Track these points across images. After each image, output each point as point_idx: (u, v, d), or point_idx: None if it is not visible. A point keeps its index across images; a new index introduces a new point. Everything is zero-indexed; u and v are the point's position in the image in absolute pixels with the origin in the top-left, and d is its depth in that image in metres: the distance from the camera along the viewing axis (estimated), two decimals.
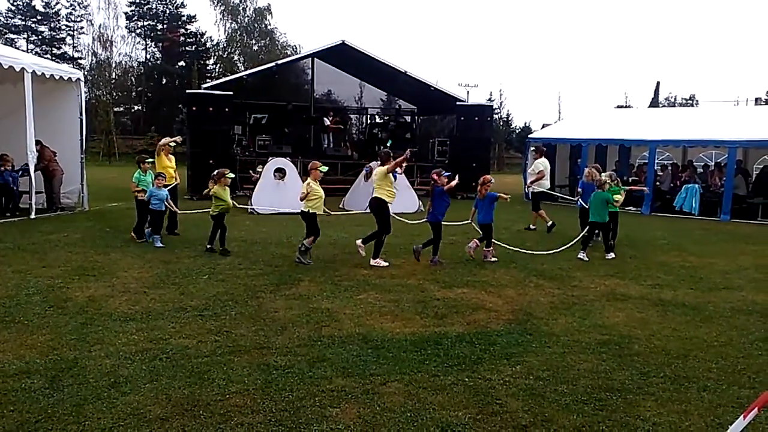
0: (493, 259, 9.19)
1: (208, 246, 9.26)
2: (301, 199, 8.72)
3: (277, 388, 4.33)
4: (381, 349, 5.20)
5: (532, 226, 12.81)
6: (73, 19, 52.40)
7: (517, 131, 55.77)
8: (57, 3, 51.74)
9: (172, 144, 11.04)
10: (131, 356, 4.86)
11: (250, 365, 4.74)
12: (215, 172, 9.51)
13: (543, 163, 13.10)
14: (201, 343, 5.23)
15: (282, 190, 14.13)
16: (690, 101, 55.22)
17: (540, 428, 3.88)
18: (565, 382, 4.61)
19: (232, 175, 9.58)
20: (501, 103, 54.25)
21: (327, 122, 23.02)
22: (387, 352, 5.12)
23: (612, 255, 9.77)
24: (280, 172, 14.42)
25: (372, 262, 8.64)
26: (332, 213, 10.37)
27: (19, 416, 3.80)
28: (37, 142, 12.82)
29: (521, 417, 4.01)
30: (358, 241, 8.88)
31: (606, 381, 4.66)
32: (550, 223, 12.40)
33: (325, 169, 8.93)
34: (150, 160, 10.59)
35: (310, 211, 8.68)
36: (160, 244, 9.58)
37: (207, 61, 53.79)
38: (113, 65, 49.26)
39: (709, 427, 3.96)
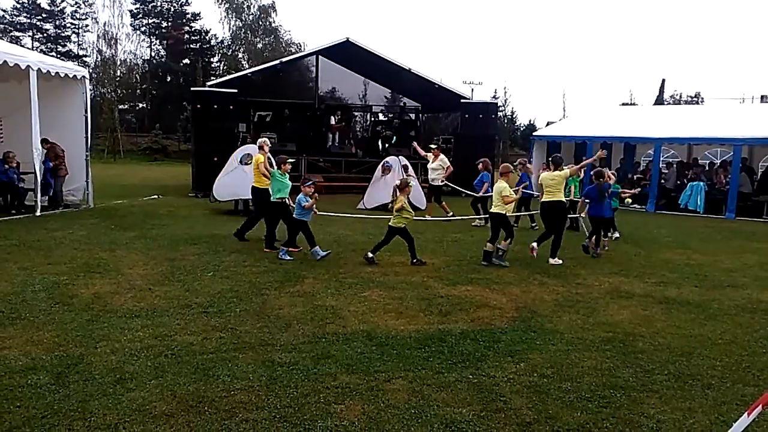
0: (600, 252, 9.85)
1: (415, 260, 8.53)
2: (507, 203, 8.69)
3: (281, 385, 4.34)
4: (385, 346, 5.21)
5: (450, 215, 13.53)
6: (78, 16, 52.58)
7: (522, 129, 55.69)
8: (62, 1, 51.91)
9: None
10: (136, 353, 4.88)
11: (255, 362, 4.76)
12: (398, 182, 8.79)
13: (446, 160, 13.97)
14: (206, 339, 5.25)
15: (243, 178, 12.58)
16: (695, 99, 54.97)
17: (544, 425, 3.88)
18: (569, 380, 4.61)
19: (414, 183, 8.96)
20: (505, 101, 54.34)
21: (332, 121, 23.12)
22: (391, 349, 5.13)
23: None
24: (248, 158, 13.14)
25: (551, 261, 9.05)
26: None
27: (26, 412, 3.82)
28: (45, 141, 12.90)
29: (525, 414, 4.01)
30: (534, 244, 9.11)
31: (610, 378, 4.66)
32: (451, 214, 13.50)
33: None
34: (291, 160, 9.56)
35: (506, 213, 8.76)
36: (323, 253, 8.65)
37: (211, 59, 53.95)
38: (118, 63, 49.44)
39: (713, 425, 3.96)
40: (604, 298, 7.13)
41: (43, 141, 12.86)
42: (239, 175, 13.09)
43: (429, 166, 13.86)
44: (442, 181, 13.70)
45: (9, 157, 12.75)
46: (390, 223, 8.71)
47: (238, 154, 13.71)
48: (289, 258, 8.64)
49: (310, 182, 8.92)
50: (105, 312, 5.93)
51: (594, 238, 9.74)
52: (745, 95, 72.24)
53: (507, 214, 8.84)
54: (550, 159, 9.81)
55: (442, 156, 13.81)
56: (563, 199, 9.31)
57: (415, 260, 8.57)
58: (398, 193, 8.62)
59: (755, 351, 5.42)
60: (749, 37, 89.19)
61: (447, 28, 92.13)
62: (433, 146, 14.04)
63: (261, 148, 10.21)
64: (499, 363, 4.91)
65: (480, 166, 12.88)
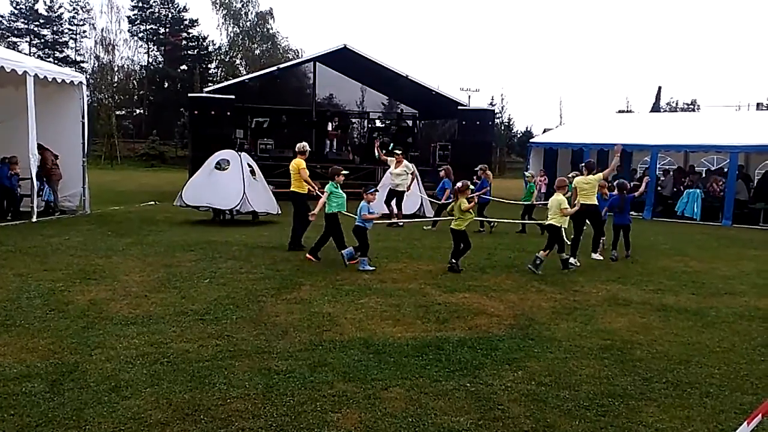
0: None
1: (453, 261, 8.59)
2: (567, 215, 8.86)
3: (278, 393, 4.31)
4: (382, 353, 5.19)
5: (400, 223, 13.36)
6: (75, 22, 52.75)
7: (519, 136, 55.81)
8: (60, 7, 52.06)
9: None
10: (132, 360, 4.85)
11: (251, 370, 4.73)
12: (459, 184, 8.76)
13: (411, 166, 14.02)
14: (202, 347, 5.22)
15: (216, 184, 12.37)
16: (691, 106, 55.17)
17: None
18: (567, 388, 4.59)
19: (472, 187, 9.02)
20: (502, 108, 54.39)
21: (329, 128, 23.18)
22: (388, 357, 5.10)
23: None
24: (225, 163, 12.70)
25: (593, 256, 9.96)
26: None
27: (20, 420, 3.79)
28: (38, 146, 12.84)
29: (523, 423, 3.99)
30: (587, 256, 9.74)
31: (608, 386, 4.64)
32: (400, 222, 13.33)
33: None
34: (345, 171, 9.44)
35: (561, 225, 8.88)
36: (370, 267, 8.45)
37: (209, 65, 54.07)
38: (115, 69, 49.49)
39: None
40: (602, 305, 7.12)
41: (38, 147, 12.82)
42: (212, 181, 12.45)
43: (391, 171, 13.84)
44: (408, 188, 13.66)
45: (14, 163, 12.63)
46: (452, 226, 8.74)
47: (213, 158, 12.84)
48: (371, 268, 8.43)
49: (373, 190, 8.93)
50: (101, 319, 5.90)
51: (624, 243, 10.29)
52: (741, 103, 72.57)
53: (563, 227, 8.92)
54: (583, 164, 10.28)
55: (405, 162, 13.82)
56: (596, 202, 9.88)
57: (455, 262, 8.56)
58: (459, 196, 8.73)
59: (753, 359, 5.41)
60: (745, 45, 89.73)
61: (444, 34, 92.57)
62: (397, 152, 14.12)
63: (302, 152, 10.11)
64: (497, 371, 4.89)
65: (442, 173, 12.97)
